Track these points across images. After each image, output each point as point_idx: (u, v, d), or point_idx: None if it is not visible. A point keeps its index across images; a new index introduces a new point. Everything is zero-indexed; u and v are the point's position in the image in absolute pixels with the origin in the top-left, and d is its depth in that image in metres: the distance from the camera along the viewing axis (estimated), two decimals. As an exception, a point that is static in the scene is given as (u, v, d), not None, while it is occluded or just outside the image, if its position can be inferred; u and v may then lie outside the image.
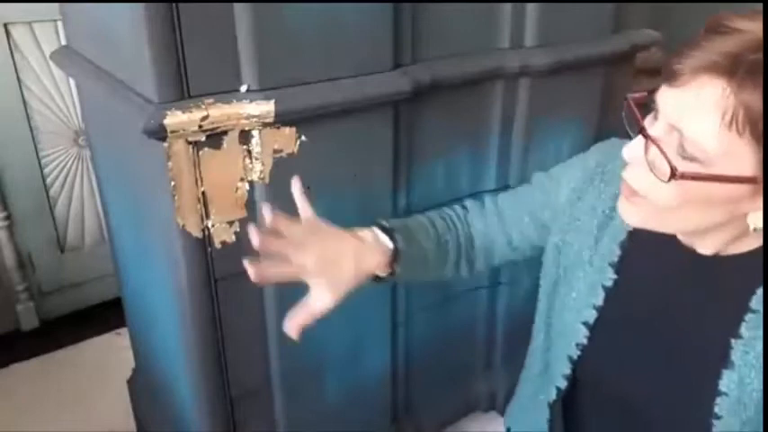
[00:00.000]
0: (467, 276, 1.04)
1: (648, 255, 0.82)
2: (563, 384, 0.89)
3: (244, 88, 0.88)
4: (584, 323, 0.85)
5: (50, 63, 1.48)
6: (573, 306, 0.88)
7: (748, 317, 0.72)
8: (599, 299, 0.84)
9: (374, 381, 1.23)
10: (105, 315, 1.99)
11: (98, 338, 1.95)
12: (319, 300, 0.80)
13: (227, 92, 0.87)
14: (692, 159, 0.64)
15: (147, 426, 1.47)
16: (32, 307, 1.99)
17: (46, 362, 1.87)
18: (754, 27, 0.62)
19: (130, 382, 1.54)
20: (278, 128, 0.91)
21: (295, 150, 0.94)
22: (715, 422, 0.74)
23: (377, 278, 0.89)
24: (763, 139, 0.62)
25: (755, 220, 0.67)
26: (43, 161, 1.88)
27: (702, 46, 0.63)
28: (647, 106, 0.71)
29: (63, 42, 1.29)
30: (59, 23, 1.71)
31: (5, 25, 1.71)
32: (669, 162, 0.64)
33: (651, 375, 0.81)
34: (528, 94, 1.18)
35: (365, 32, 0.94)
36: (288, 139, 0.93)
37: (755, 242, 0.72)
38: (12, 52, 1.74)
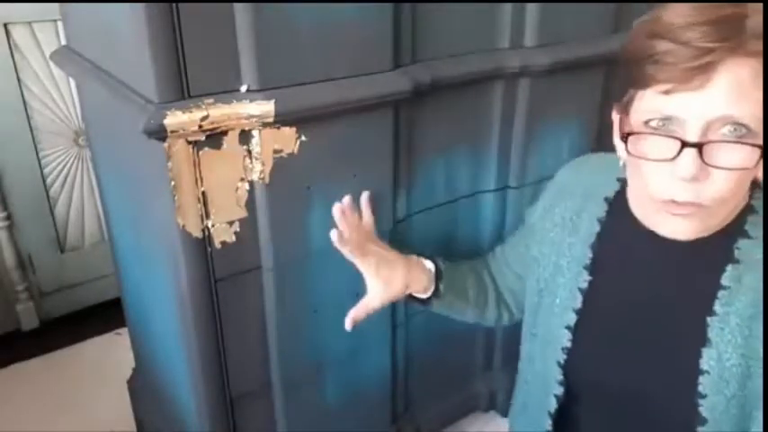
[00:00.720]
0: (509, 323, 1.13)
1: (619, 251, 0.84)
2: (559, 391, 0.90)
3: (244, 88, 0.88)
4: (567, 327, 0.87)
5: (50, 63, 1.48)
6: (556, 312, 0.90)
7: (720, 293, 0.74)
8: (577, 302, 0.86)
9: (374, 381, 1.23)
10: (105, 315, 1.99)
11: (98, 338, 1.95)
12: (372, 300, 0.99)
13: (227, 92, 0.87)
14: (748, 133, 0.64)
15: (147, 426, 1.47)
16: (32, 307, 1.99)
17: (46, 362, 1.87)
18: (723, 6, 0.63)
19: (130, 382, 1.54)
20: (278, 128, 0.91)
21: (295, 150, 0.94)
22: (701, 401, 0.75)
23: (420, 300, 1.05)
24: (762, 139, 0.62)
25: (760, 172, 0.69)
26: (43, 161, 1.88)
27: (696, 40, 0.62)
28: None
29: (63, 42, 1.29)
30: (59, 23, 1.71)
31: (5, 25, 1.71)
32: (756, 144, 0.64)
33: (635, 366, 0.82)
34: (528, 94, 1.18)
35: (365, 32, 0.94)
36: (288, 139, 0.93)
37: (720, 225, 0.74)
38: (12, 52, 1.74)
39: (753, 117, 0.63)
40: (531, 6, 1.12)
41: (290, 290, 1.02)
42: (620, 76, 0.73)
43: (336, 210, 0.96)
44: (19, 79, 1.77)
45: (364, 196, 1.02)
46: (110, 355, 1.85)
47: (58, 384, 1.77)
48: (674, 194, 0.68)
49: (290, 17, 0.87)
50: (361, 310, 0.99)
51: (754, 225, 0.74)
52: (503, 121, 1.20)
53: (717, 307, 0.74)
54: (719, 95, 0.63)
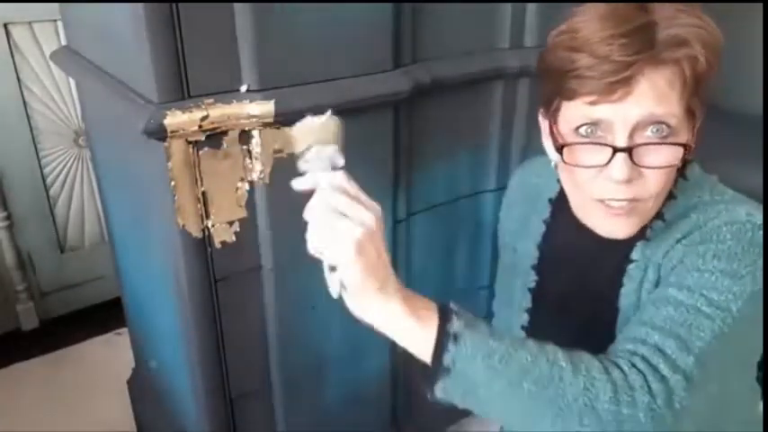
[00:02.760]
0: None
1: (562, 249, 0.89)
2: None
3: (244, 88, 0.88)
4: (522, 327, 0.92)
5: (50, 63, 1.48)
6: (514, 313, 0.94)
7: (629, 267, 0.79)
8: (527, 301, 0.92)
9: (374, 381, 1.23)
10: (105, 315, 1.99)
11: (98, 338, 1.96)
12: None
13: (227, 92, 0.87)
14: (670, 133, 0.69)
15: (147, 426, 1.47)
16: (32, 307, 1.99)
17: (46, 362, 1.87)
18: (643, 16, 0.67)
19: (130, 382, 1.54)
20: (278, 128, 0.91)
21: (295, 150, 0.94)
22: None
23: None
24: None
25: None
26: (43, 161, 1.88)
27: (613, 55, 0.66)
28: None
29: (63, 42, 1.29)
30: (59, 23, 1.71)
31: (5, 25, 1.71)
32: (680, 143, 0.68)
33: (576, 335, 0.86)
34: (528, 94, 1.18)
35: (365, 32, 0.94)
36: (288, 139, 0.93)
37: None
38: (12, 52, 1.74)
39: (673, 116, 0.68)
40: (531, 6, 1.12)
41: (290, 289, 1.02)
42: (544, 84, 0.76)
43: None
44: (19, 79, 1.77)
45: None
46: (110, 355, 1.85)
47: (58, 384, 1.77)
48: (612, 195, 0.71)
49: (289, 17, 0.87)
50: None
51: (669, 209, 0.78)
52: (503, 121, 1.20)
53: (625, 279, 0.80)
54: (640, 102, 0.67)
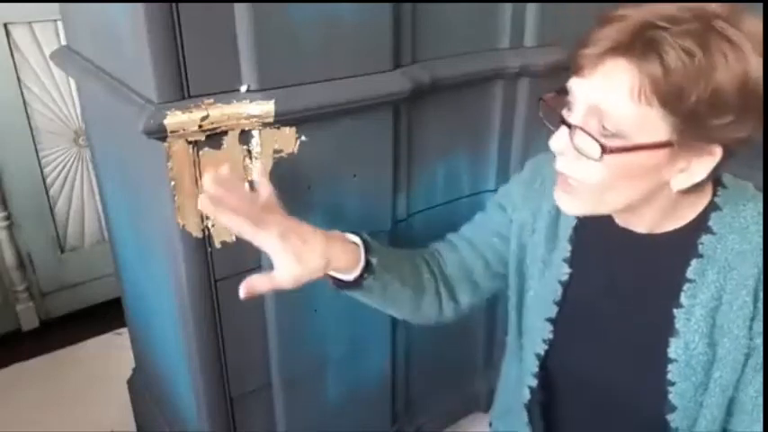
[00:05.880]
0: (452, 315, 1.01)
1: (593, 244, 0.87)
2: (534, 383, 0.92)
3: (244, 88, 0.88)
4: (548, 319, 0.90)
5: (50, 63, 1.48)
6: (532, 305, 0.93)
7: (686, 286, 0.78)
8: (557, 294, 0.89)
9: (374, 381, 1.23)
10: (105, 315, 1.99)
11: (98, 338, 1.95)
12: (281, 277, 0.82)
13: (227, 92, 0.87)
14: (614, 136, 0.68)
15: (147, 426, 1.47)
16: (32, 307, 1.99)
17: (46, 362, 1.87)
18: (639, 12, 0.68)
19: (130, 382, 1.54)
20: (278, 128, 0.91)
21: (295, 150, 0.94)
22: (670, 388, 0.79)
23: (347, 284, 0.89)
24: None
25: (678, 183, 0.72)
26: (43, 161, 1.88)
27: (599, 36, 0.68)
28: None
29: (63, 42, 1.29)
30: (59, 23, 1.71)
31: (5, 25, 1.71)
32: (597, 140, 0.69)
33: (609, 355, 0.86)
34: (528, 94, 1.18)
35: (365, 32, 0.94)
36: (288, 139, 0.93)
37: (681, 221, 0.78)
38: (12, 52, 1.74)
39: (621, 125, 0.68)
40: (531, 6, 1.12)
41: (290, 290, 1.02)
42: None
43: (208, 179, 0.79)
44: (19, 79, 1.77)
45: (256, 170, 0.90)
46: (110, 355, 1.85)
47: (58, 384, 1.77)
48: (556, 164, 0.75)
49: (289, 17, 0.87)
50: (264, 282, 0.82)
51: (717, 221, 0.77)
52: (503, 121, 1.20)
53: (683, 299, 0.78)
54: (595, 84, 0.69)
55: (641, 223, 0.79)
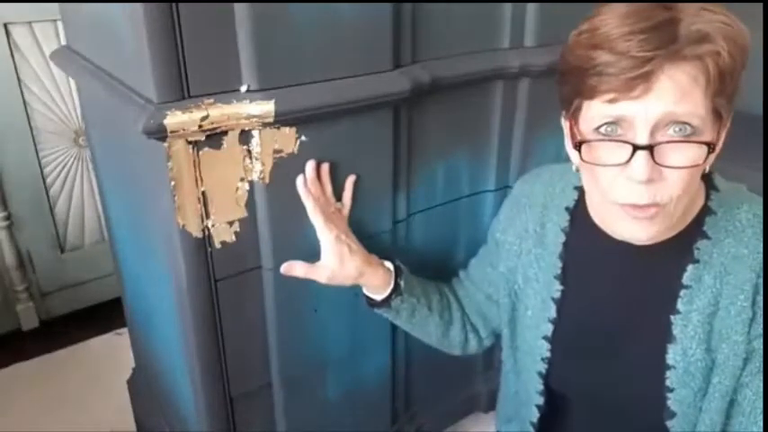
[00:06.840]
0: (476, 347, 1.08)
1: (585, 259, 0.87)
2: (540, 401, 0.93)
3: (244, 88, 0.88)
4: (544, 337, 0.90)
5: (50, 63, 1.48)
6: (530, 324, 0.92)
7: (683, 292, 0.78)
8: (552, 311, 0.89)
9: (374, 381, 1.23)
10: (105, 315, 2.00)
11: (98, 338, 1.96)
12: (321, 269, 0.94)
13: (227, 92, 0.87)
14: (693, 133, 0.67)
15: (147, 426, 1.47)
16: (32, 307, 2.00)
17: (46, 362, 1.87)
18: (644, 11, 0.66)
19: (130, 382, 1.54)
20: (278, 128, 0.91)
21: (295, 150, 0.94)
22: (669, 395, 0.79)
23: (377, 303, 1.00)
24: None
25: (709, 162, 0.71)
26: (43, 161, 1.88)
27: (628, 53, 0.65)
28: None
29: (63, 42, 1.29)
30: (59, 23, 1.71)
31: (5, 25, 1.71)
32: (704, 142, 0.66)
33: (608, 367, 0.85)
34: (528, 94, 1.18)
35: (365, 32, 0.94)
36: (288, 139, 0.93)
37: (678, 226, 0.77)
38: (12, 52, 1.74)
39: (695, 116, 0.66)
40: (531, 6, 1.12)
41: (290, 290, 1.02)
42: (564, 84, 0.76)
43: (310, 165, 0.94)
44: (19, 79, 1.77)
45: (350, 180, 1.00)
46: (110, 355, 1.86)
47: (57, 384, 1.77)
48: (634, 199, 0.69)
49: (289, 17, 0.87)
50: (304, 269, 0.94)
51: (712, 226, 0.77)
52: (503, 121, 1.20)
53: (679, 305, 0.78)
54: (661, 99, 0.65)
55: (667, 231, 0.75)
